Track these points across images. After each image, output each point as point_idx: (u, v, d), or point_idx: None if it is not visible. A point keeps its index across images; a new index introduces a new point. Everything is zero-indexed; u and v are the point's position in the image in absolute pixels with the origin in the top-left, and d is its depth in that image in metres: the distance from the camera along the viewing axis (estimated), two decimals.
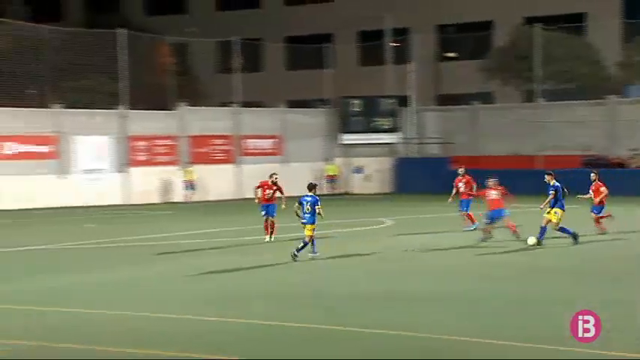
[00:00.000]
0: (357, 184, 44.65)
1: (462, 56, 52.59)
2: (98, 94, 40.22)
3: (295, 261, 17.83)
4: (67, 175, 36.82)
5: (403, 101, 45.82)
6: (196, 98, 44.38)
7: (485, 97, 47.58)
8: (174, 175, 39.73)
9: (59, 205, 35.29)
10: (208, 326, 12.04)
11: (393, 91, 46.04)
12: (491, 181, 20.64)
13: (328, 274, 16.86)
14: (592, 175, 21.93)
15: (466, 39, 51.38)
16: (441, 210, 28.02)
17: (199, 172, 39.74)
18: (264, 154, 42.64)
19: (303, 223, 18.26)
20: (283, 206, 21.46)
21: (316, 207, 18.09)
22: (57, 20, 51.72)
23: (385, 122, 44.86)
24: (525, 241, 19.53)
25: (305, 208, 18.16)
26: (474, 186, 23.63)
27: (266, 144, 43.07)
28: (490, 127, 43.49)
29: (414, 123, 46.02)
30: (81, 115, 37.79)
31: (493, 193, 20.48)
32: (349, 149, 45.16)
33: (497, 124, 43.27)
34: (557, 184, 19.68)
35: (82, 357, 10.40)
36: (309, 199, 18.25)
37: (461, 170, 24.65)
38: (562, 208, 19.65)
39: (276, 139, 43.40)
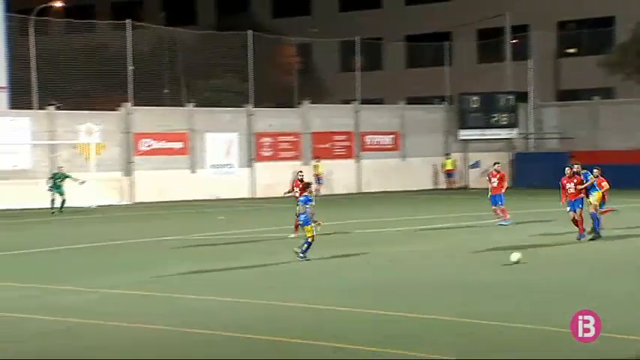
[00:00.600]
0: (474, 179, 45.14)
1: (582, 52, 52.17)
2: (227, 92, 42.29)
3: (303, 260, 17.53)
4: (197, 169, 38.95)
5: (522, 97, 46.00)
6: (319, 96, 45.93)
7: (606, 93, 47.15)
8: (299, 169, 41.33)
9: (190, 198, 37.36)
10: (336, 316, 12.92)
11: (511, 88, 46.31)
12: (595, 171, 20.98)
13: (464, 266, 17.67)
14: (595, 170, 21.55)
15: (586, 35, 50.96)
16: (557, 205, 28.33)
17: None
18: (383, 149, 43.80)
19: (300, 224, 18.33)
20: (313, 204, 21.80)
21: (308, 206, 17.70)
22: (191, 24, 54.37)
23: (503, 118, 45.20)
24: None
25: (299, 208, 17.93)
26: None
27: (385, 140, 44.17)
28: (610, 122, 43.19)
29: (533, 119, 46.15)
30: (211, 113, 39.85)
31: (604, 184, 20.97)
32: (467, 144, 45.75)
33: (618, 119, 42.93)
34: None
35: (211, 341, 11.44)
36: (302, 199, 17.97)
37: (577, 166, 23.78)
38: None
39: (395, 135, 44.45)
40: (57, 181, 31.91)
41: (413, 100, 49.01)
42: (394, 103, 46.26)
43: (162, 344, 11.00)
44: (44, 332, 11.74)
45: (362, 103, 43.96)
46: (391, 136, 44.42)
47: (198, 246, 21.35)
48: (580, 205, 20.64)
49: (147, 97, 38.39)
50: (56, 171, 32.78)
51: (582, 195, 20.79)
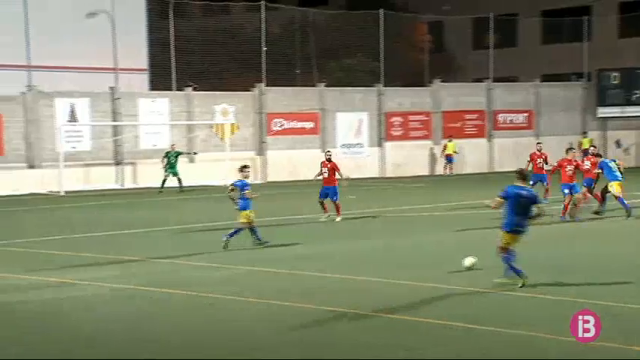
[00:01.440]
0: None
1: None
2: (358, 72, 42.43)
3: (225, 248, 16.70)
4: (328, 149, 39.21)
5: None
6: (450, 74, 45.41)
7: None
8: (429, 149, 41.11)
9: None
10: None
11: None
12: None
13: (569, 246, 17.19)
14: (592, 149, 23.18)
15: None
16: None
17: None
18: (516, 128, 42.90)
19: (236, 209, 17.00)
20: (345, 184, 21.14)
21: (245, 192, 16.76)
22: (322, 4, 54.76)
23: None
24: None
25: (233, 194, 16.88)
26: None
27: (518, 118, 43.21)
28: None
29: None
30: (342, 92, 40.10)
31: None
32: (606, 122, 44.14)
33: None
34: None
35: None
36: (238, 183, 16.87)
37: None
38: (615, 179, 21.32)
39: (529, 114, 43.40)
40: (171, 160, 32.41)
41: (548, 78, 47.69)
42: (529, 80, 45.14)
43: (322, 324, 10.86)
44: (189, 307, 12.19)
45: (495, 82, 43.13)
46: (525, 114, 43.42)
47: (329, 224, 21.62)
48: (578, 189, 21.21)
49: (279, 78, 39.02)
50: (169, 149, 33.10)
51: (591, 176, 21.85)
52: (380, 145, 40.23)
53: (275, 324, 10.93)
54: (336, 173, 21.80)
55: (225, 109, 37.31)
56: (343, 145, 39.59)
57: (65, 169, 31.93)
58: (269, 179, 37.44)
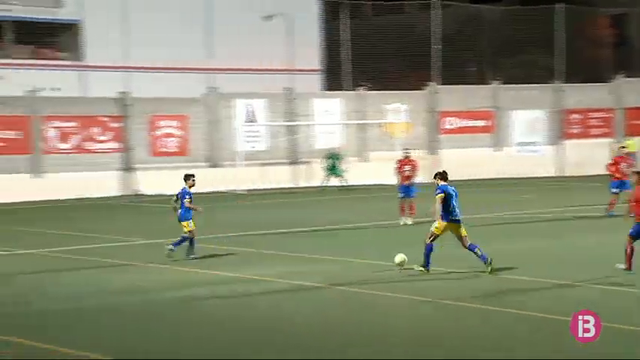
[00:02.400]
0: None
1: None
2: (534, 68, 41.42)
3: (169, 257, 16.09)
4: (502, 147, 38.55)
5: None
6: (634, 70, 43.40)
7: None
8: (607, 147, 39.47)
9: (494, 177, 37.12)
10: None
11: None
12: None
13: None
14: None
15: None
16: None
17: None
18: None
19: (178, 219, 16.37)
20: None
21: (184, 200, 16.09)
22: (496, 0, 53.77)
23: None
24: None
25: (177, 205, 16.28)
26: None
27: None
28: None
29: None
30: (517, 90, 39.24)
31: None
32: None
33: None
34: None
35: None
36: (180, 192, 16.27)
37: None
38: None
39: None
40: (334, 162, 32.70)
41: None
42: None
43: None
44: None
45: None
46: None
47: (505, 224, 21.37)
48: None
49: (452, 76, 38.70)
50: (332, 152, 33.42)
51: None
52: (557, 143, 39.04)
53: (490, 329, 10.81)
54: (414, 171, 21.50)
55: (398, 108, 37.38)
56: (518, 144, 38.72)
57: (243, 169, 32.99)
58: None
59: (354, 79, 38.64)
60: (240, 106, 34.90)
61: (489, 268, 14.03)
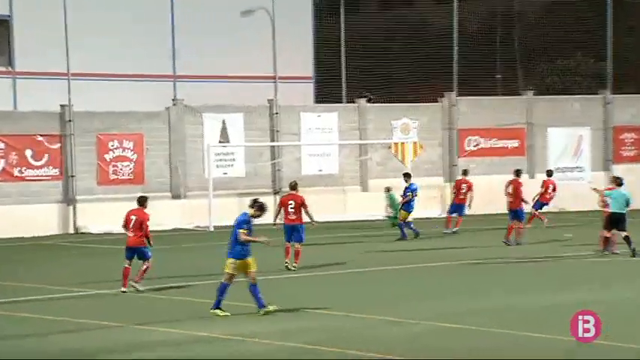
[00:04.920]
0: None
1: None
2: (577, 76, 41.49)
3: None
4: (537, 174, 38.32)
5: None
6: None
7: None
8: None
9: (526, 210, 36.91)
10: None
11: None
12: None
13: None
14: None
15: None
16: None
17: None
18: None
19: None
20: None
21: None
22: None
23: None
24: None
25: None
26: None
27: None
28: None
29: None
30: (555, 102, 39.25)
31: None
32: None
33: None
34: None
35: None
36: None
37: None
38: None
39: None
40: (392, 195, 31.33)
41: None
42: None
43: None
44: None
45: None
46: None
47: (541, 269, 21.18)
48: None
49: (474, 85, 38.68)
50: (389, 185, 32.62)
51: None
52: (606, 168, 38.99)
53: None
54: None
55: (407, 125, 37.32)
56: (557, 169, 38.59)
57: (215, 199, 32.78)
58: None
59: (353, 89, 38.58)
60: (210, 121, 34.80)
61: None
